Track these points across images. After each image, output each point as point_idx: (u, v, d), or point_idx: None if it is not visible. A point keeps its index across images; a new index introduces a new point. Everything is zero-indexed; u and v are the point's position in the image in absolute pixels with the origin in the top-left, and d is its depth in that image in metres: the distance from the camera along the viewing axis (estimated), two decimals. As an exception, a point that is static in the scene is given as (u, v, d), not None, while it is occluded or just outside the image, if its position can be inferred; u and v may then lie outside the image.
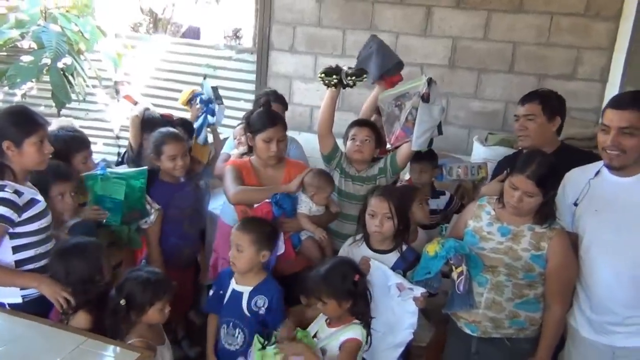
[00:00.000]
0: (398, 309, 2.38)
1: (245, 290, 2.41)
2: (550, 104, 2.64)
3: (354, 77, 2.71)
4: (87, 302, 2.17)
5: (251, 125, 2.72)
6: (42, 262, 2.27)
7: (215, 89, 3.79)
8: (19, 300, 2.20)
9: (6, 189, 2.13)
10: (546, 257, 2.26)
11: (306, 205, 2.60)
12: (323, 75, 2.75)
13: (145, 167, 2.88)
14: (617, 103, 2.14)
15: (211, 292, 2.50)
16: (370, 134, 2.84)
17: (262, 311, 2.35)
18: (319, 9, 4.84)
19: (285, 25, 4.98)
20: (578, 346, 2.35)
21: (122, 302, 2.10)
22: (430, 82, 2.64)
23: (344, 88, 2.78)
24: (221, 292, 2.46)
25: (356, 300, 2.21)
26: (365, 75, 2.76)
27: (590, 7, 4.16)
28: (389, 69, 3.07)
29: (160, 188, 2.92)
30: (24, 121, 2.22)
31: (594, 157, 2.51)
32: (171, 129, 3.00)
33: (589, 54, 4.25)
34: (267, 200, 2.52)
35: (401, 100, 2.75)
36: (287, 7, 4.94)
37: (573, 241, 2.31)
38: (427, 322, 2.72)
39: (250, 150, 2.80)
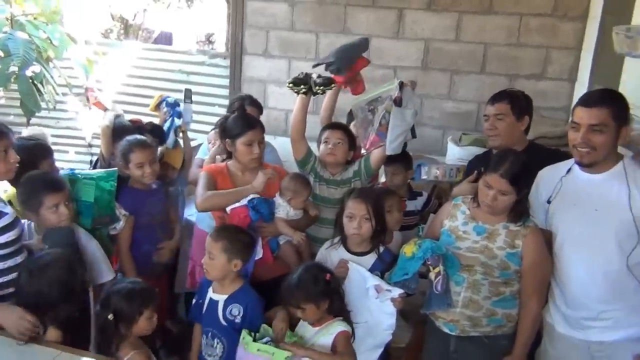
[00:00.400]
0: (376, 310, 2.38)
1: (221, 298, 2.38)
2: (519, 103, 2.68)
3: (322, 87, 2.71)
4: (57, 318, 2.10)
5: (228, 131, 2.69)
6: (11, 276, 2.19)
7: (187, 90, 3.76)
8: None
9: None
10: (521, 255, 2.28)
11: (284, 210, 2.58)
12: (291, 84, 2.74)
13: (115, 169, 2.83)
14: (587, 101, 2.18)
15: (194, 301, 2.47)
16: (343, 137, 2.83)
17: (237, 320, 2.32)
18: (292, 13, 4.84)
19: (258, 29, 4.96)
20: (554, 342, 2.38)
21: (110, 316, 2.06)
22: (402, 85, 2.64)
23: (314, 95, 2.78)
24: (201, 301, 2.43)
25: (332, 299, 2.23)
26: (333, 85, 2.75)
27: (558, 8, 4.24)
28: (352, 50, 3.01)
29: (131, 195, 2.88)
30: None
31: (562, 155, 2.57)
32: (138, 137, 2.95)
33: (558, 53, 4.33)
34: (243, 204, 2.49)
35: (374, 104, 2.75)
36: (259, 11, 4.92)
37: (547, 238, 2.35)
38: (405, 322, 2.72)
39: (229, 156, 2.77)
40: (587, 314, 2.23)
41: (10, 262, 2.20)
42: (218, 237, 2.34)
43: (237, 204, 2.51)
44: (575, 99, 4.27)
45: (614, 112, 2.10)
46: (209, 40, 9.31)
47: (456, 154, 4.30)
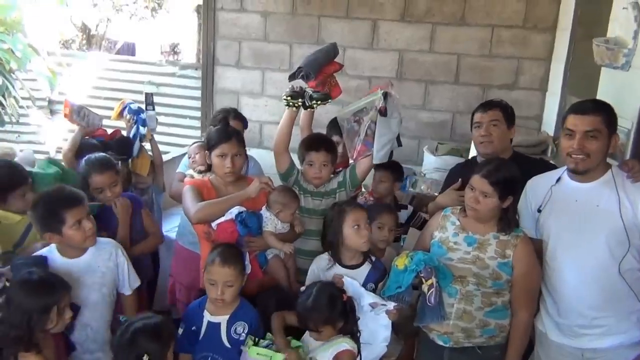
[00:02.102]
0: (372, 323, 2.34)
1: (222, 320, 2.29)
2: (508, 112, 2.71)
3: (318, 102, 2.68)
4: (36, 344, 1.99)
5: (208, 142, 2.63)
6: None
7: (148, 95, 3.62)
8: None
9: None
10: (512, 265, 2.29)
11: (272, 223, 2.52)
12: (289, 98, 2.68)
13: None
14: (581, 109, 2.21)
15: (180, 331, 2.31)
16: (327, 158, 2.78)
17: (242, 337, 2.25)
18: (265, 24, 4.81)
19: (230, 40, 4.91)
20: (547, 350, 2.39)
21: (146, 358, 1.96)
22: (386, 95, 2.64)
23: (305, 109, 2.74)
24: (193, 328, 2.31)
25: (347, 319, 2.21)
26: (329, 100, 2.73)
27: (528, 19, 4.34)
28: (320, 56, 3.01)
29: (105, 214, 2.72)
30: None
31: (547, 165, 2.61)
32: (98, 157, 2.78)
33: (529, 64, 4.43)
34: (230, 218, 2.42)
35: (359, 115, 2.74)
36: (231, 21, 4.87)
37: (536, 247, 2.36)
38: (395, 336, 2.69)
39: (210, 168, 2.70)
40: (580, 322, 2.25)
41: None
42: (230, 263, 2.25)
43: (223, 219, 2.43)
44: (547, 109, 4.43)
45: (606, 119, 2.15)
46: (174, 50, 9.16)
47: (433, 163, 4.34)
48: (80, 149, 3.18)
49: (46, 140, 5.89)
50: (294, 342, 2.24)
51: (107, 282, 2.39)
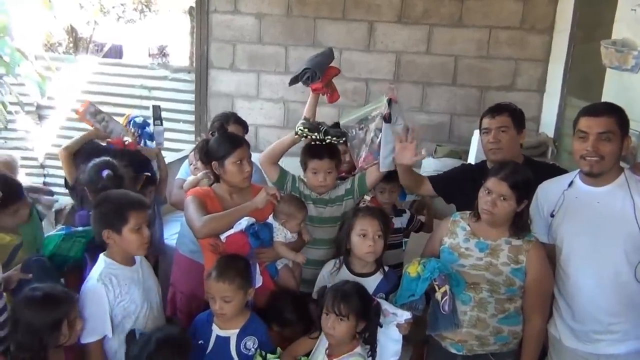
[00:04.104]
0: (382, 336, 2.29)
1: (232, 334, 2.23)
2: (517, 116, 2.66)
3: (333, 138, 2.63)
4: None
5: (214, 153, 2.53)
6: None
7: (156, 108, 3.50)
8: None
9: None
10: (525, 270, 2.25)
11: (282, 233, 2.46)
12: (306, 130, 2.63)
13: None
14: (593, 111, 2.18)
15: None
16: (331, 165, 2.72)
17: (252, 352, 2.20)
18: (259, 26, 4.74)
19: (224, 42, 4.84)
20: (561, 355, 2.36)
21: None
22: (390, 102, 2.59)
23: (322, 143, 2.68)
24: (201, 342, 2.25)
25: (369, 324, 2.17)
26: (344, 138, 2.67)
27: (526, 21, 4.34)
28: (322, 59, 2.99)
29: None
30: None
31: (558, 170, 2.57)
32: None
33: (526, 65, 4.43)
34: (239, 230, 2.35)
35: (364, 123, 2.69)
36: (225, 24, 4.80)
37: (548, 252, 2.33)
38: (405, 342, 2.64)
39: (217, 179, 2.61)
40: (596, 327, 2.22)
41: None
42: (227, 278, 2.19)
43: (232, 230, 2.36)
44: (545, 110, 4.42)
45: (619, 121, 2.12)
46: (162, 53, 9.05)
47: (432, 165, 4.31)
48: (87, 152, 3.06)
49: (34, 146, 5.77)
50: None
51: (155, 289, 2.38)
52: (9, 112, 4.90)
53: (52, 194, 3.39)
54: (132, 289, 2.20)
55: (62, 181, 5.58)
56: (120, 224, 2.17)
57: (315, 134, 2.61)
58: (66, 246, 2.44)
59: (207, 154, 2.57)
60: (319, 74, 2.80)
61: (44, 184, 5.86)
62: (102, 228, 2.18)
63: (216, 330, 2.25)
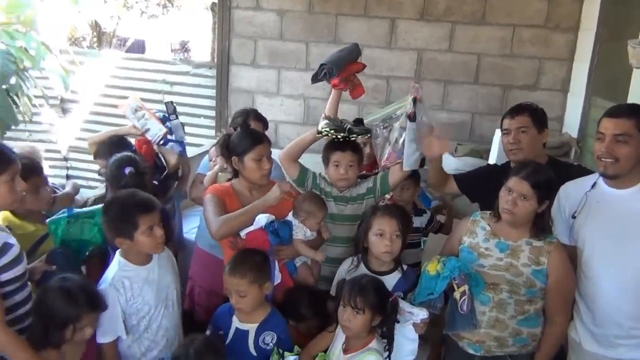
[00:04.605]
0: (398, 335, 2.27)
1: (251, 327, 2.24)
2: (538, 116, 2.63)
3: (358, 136, 2.64)
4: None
5: (235, 148, 2.55)
6: (19, 312, 2.02)
7: (169, 104, 3.49)
8: None
9: None
10: (547, 272, 2.22)
11: (301, 231, 2.46)
12: (332, 131, 2.63)
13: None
14: (614, 112, 2.15)
15: (207, 333, 2.29)
16: (354, 158, 2.72)
17: (270, 347, 2.21)
18: (281, 22, 4.75)
19: (246, 39, 4.85)
20: (581, 359, 2.32)
21: None
22: (415, 101, 2.58)
23: (345, 140, 2.68)
24: (221, 332, 2.27)
25: (385, 320, 2.15)
26: (369, 134, 2.67)
27: (550, 19, 4.28)
28: (343, 55, 2.97)
29: None
30: None
31: (582, 170, 2.53)
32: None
33: (550, 64, 4.37)
34: (259, 227, 2.36)
35: (388, 122, 2.68)
36: (247, 20, 4.81)
37: (569, 254, 2.29)
38: (422, 342, 2.63)
39: (236, 174, 2.63)
40: (617, 332, 2.18)
41: (17, 298, 2.01)
42: (243, 272, 2.19)
43: (252, 227, 2.37)
44: (569, 110, 4.36)
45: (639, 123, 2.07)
46: (184, 48, 9.11)
47: (452, 164, 4.28)
48: (114, 145, 3.06)
49: (58, 139, 5.86)
50: (321, 356, 2.20)
51: (172, 285, 2.38)
52: (34, 105, 4.97)
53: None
54: (145, 290, 2.21)
55: (85, 174, 5.69)
56: (130, 230, 2.15)
57: (341, 134, 2.61)
58: (75, 230, 2.44)
59: (228, 149, 2.58)
60: (336, 70, 2.79)
61: (67, 176, 5.96)
62: (115, 236, 2.18)
63: (236, 323, 2.27)
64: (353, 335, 2.17)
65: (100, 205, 2.55)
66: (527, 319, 2.27)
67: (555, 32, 4.29)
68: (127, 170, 2.65)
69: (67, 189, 3.09)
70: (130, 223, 2.14)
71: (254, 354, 2.23)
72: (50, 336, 1.96)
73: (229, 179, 2.71)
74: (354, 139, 2.65)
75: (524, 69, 4.38)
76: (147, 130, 3.21)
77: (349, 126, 2.62)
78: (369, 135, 2.66)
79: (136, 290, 2.19)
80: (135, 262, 2.23)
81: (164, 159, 3.19)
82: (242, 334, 2.25)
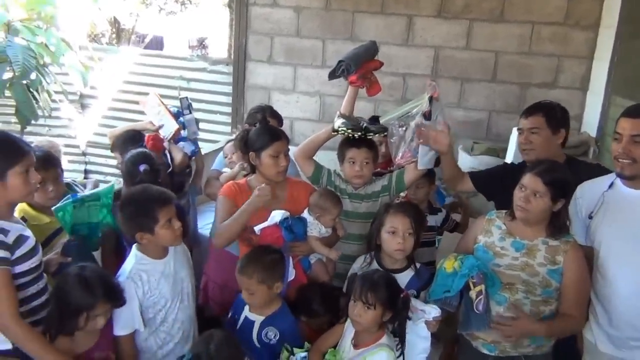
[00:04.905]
0: (410, 333, 2.27)
1: (257, 319, 2.28)
2: (555, 116, 2.59)
3: (375, 135, 2.64)
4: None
5: (252, 144, 2.56)
6: (34, 304, 2.05)
7: (183, 99, 3.52)
8: (9, 346, 1.97)
9: None
10: (562, 272, 2.20)
11: (316, 228, 2.46)
12: (349, 130, 2.62)
13: (113, 185, 2.65)
14: (632, 112, 2.12)
15: (229, 315, 2.38)
16: (369, 155, 2.71)
17: (273, 342, 2.23)
18: (298, 19, 4.75)
19: (262, 35, 4.86)
20: (597, 361, 2.30)
21: None
22: (431, 100, 2.56)
23: (362, 137, 2.68)
24: (236, 316, 2.34)
25: (396, 316, 2.15)
26: (385, 133, 2.66)
27: (570, 16, 4.22)
28: (360, 52, 2.96)
29: None
30: (6, 150, 1.97)
31: (602, 170, 2.49)
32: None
33: (569, 62, 4.31)
34: (273, 223, 2.37)
35: (405, 120, 2.67)
36: (264, 17, 4.82)
37: (586, 255, 2.26)
38: (435, 340, 2.62)
39: (253, 170, 2.64)
40: (634, 334, 2.16)
41: (33, 289, 2.05)
42: (251, 272, 2.22)
43: (266, 224, 2.38)
44: (588, 108, 4.30)
45: None
46: (202, 44, 9.17)
47: (468, 163, 4.24)
48: (129, 139, 3.09)
49: (77, 134, 5.93)
50: (331, 352, 2.20)
51: (187, 279, 2.41)
52: (54, 101, 5.03)
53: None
54: (161, 283, 2.24)
55: (103, 169, 5.74)
56: (150, 224, 2.17)
57: (358, 132, 2.61)
58: (82, 214, 2.44)
59: (246, 144, 2.59)
60: (353, 66, 2.78)
61: (85, 171, 6.04)
62: (135, 231, 2.20)
63: (246, 311, 2.33)
64: (363, 330, 2.17)
65: (102, 188, 2.61)
66: (543, 319, 2.24)
67: (575, 29, 4.22)
68: (142, 167, 2.68)
69: (89, 187, 3.13)
70: (150, 217, 2.17)
71: (257, 345, 2.26)
72: (64, 322, 2.00)
73: (245, 175, 2.72)
74: (370, 137, 2.64)
75: (542, 66, 4.33)
76: (162, 126, 3.24)
77: (365, 125, 2.61)
78: (385, 133, 2.65)
79: (153, 284, 2.21)
80: (152, 255, 2.26)
81: (171, 156, 3.21)
82: (249, 324, 2.30)
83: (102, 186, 2.75)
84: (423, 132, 2.48)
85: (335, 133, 2.66)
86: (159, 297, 2.23)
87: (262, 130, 2.59)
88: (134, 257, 2.25)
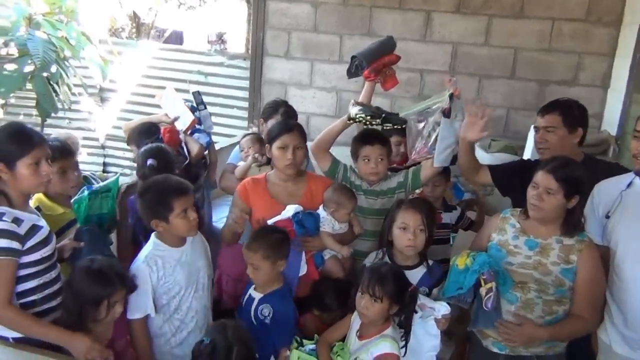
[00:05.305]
0: (419, 330, 2.26)
1: (257, 296, 2.34)
2: (571, 114, 2.55)
3: (394, 126, 2.63)
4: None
5: (268, 135, 2.59)
6: (46, 292, 2.09)
7: (196, 94, 3.54)
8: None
9: (4, 218, 1.92)
10: (575, 270, 2.17)
11: (329, 223, 2.46)
12: (368, 117, 2.61)
13: (119, 176, 2.71)
14: None
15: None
16: (383, 151, 2.70)
17: (267, 320, 2.27)
18: (315, 14, 4.74)
19: (280, 30, 4.86)
20: (611, 363, 2.27)
21: None
22: (451, 97, 2.54)
23: (381, 128, 2.69)
24: (242, 300, 2.43)
25: (402, 309, 2.14)
26: (404, 125, 2.65)
27: (592, 13, 4.15)
28: (375, 47, 2.95)
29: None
30: (17, 140, 1.99)
31: (620, 169, 2.45)
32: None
33: (590, 59, 4.24)
34: (287, 217, 2.38)
35: (424, 116, 2.65)
36: (281, 12, 4.83)
37: (602, 255, 2.23)
38: (447, 338, 2.60)
39: (269, 162, 2.67)
40: (650, 336, 2.12)
41: (45, 278, 2.08)
42: (256, 247, 2.27)
43: (279, 217, 2.40)
44: (609, 107, 4.23)
45: None
46: (220, 39, 9.21)
47: (485, 160, 4.18)
48: (144, 132, 3.12)
49: (96, 127, 6.01)
50: (338, 345, 2.21)
51: (204, 270, 2.44)
52: (73, 94, 5.11)
53: None
54: (177, 271, 2.26)
55: (121, 162, 5.81)
56: (166, 213, 2.21)
57: (378, 120, 2.59)
58: (96, 205, 2.49)
59: (268, 135, 2.64)
60: (365, 61, 2.77)
61: (104, 164, 6.12)
62: (151, 218, 2.24)
63: (250, 289, 2.38)
64: (369, 321, 2.16)
65: (112, 179, 2.65)
66: (556, 319, 2.21)
67: (597, 26, 4.15)
68: (149, 162, 2.71)
69: None
70: (166, 206, 2.20)
71: (254, 322, 2.30)
72: (86, 315, 2.01)
73: (259, 166, 2.75)
74: (388, 127, 2.62)
75: (562, 63, 4.26)
76: (177, 118, 3.27)
77: (385, 115, 2.60)
78: (404, 125, 2.63)
79: (168, 270, 2.25)
80: (169, 243, 2.29)
81: (187, 148, 3.24)
82: (249, 300, 2.37)
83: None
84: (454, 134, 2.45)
85: (352, 122, 2.64)
86: (173, 284, 2.26)
87: (278, 123, 2.61)
88: (151, 244, 2.29)
